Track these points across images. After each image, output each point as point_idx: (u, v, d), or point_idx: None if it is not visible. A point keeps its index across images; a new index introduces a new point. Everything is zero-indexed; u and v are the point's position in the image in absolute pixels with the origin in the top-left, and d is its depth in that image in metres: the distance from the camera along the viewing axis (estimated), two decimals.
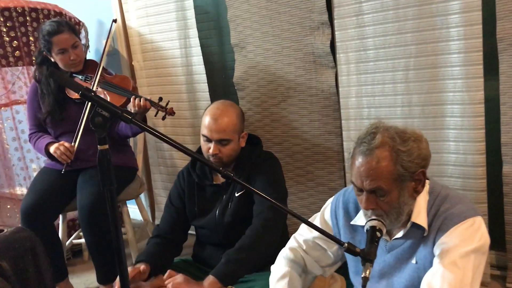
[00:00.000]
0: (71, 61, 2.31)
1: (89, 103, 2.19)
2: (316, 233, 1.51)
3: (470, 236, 1.25)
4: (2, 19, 2.68)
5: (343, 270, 1.64)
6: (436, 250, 1.27)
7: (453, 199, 1.31)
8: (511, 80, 1.90)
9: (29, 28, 2.78)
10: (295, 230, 1.87)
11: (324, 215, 1.54)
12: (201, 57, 2.74)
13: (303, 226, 1.59)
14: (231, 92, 2.73)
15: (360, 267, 1.26)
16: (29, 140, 2.45)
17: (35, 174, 2.64)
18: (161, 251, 1.90)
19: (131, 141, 2.83)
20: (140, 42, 3.00)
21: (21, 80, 2.97)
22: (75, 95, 2.32)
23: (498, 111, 1.97)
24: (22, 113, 2.75)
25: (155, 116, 2.23)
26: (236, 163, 1.93)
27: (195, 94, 2.84)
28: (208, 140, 1.86)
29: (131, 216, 3.07)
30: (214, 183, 1.96)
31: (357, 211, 1.43)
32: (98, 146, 1.13)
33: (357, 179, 1.26)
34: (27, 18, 2.76)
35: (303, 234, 1.56)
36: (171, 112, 2.19)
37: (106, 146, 1.14)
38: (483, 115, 1.96)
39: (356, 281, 1.48)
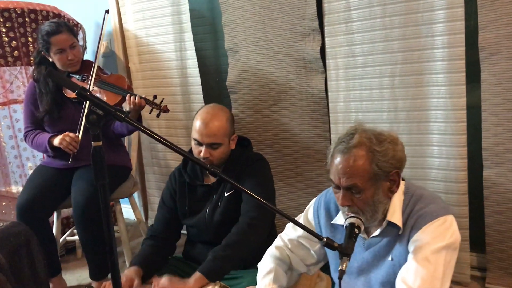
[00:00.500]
0: (68, 61, 2.37)
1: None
2: (300, 233, 1.58)
3: (441, 234, 1.31)
4: (1, 20, 2.74)
5: (329, 270, 1.70)
6: (410, 247, 1.33)
7: (426, 199, 1.38)
8: (492, 87, 1.97)
9: (28, 29, 2.84)
10: (283, 230, 1.95)
11: (307, 215, 1.61)
12: (196, 60, 2.81)
13: (288, 226, 1.65)
14: (225, 94, 2.80)
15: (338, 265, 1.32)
16: (25, 139, 2.48)
17: (31, 172, 2.69)
18: (154, 252, 1.95)
19: (126, 141, 2.89)
20: (136, 45, 3.07)
21: (18, 79, 3.04)
22: (72, 95, 2.38)
23: (480, 117, 2.04)
24: (19, 112, 2.81)
25: (150, 113, 2.29)
26: (226, 164, 1.98)
27: (189, 96, 2.91)
28: (199, 143, 1.90)
29: (125, 215, 3.13)
30: (205, 183, 2.01)
31: (337, 211, 1.50)
32: (92, 142, 1.18)
33: (335, 176, 1.33)
34: (26, 19, 2.83)
35: (288, 234, 1.63)
36: (165, 110, 2.24)
37: (100, 143, 1.19)
38: (465, 121, 2.04)
39: (336, 277, 1.54)
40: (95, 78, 2.37)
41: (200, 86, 2.84)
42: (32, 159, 3.06)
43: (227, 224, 1.90)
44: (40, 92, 2.42)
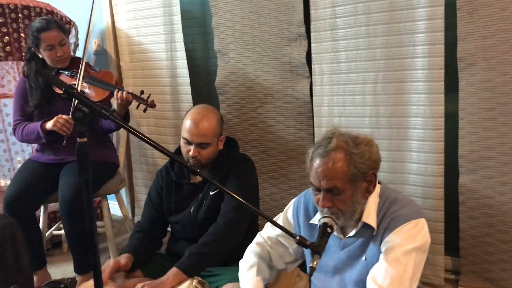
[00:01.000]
0: (58, 58, 2.41)
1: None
2: (279, 231, 1.64)
3: (413, 236, 1.38)
4: None
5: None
6: (382, 248, 1.40)
7: (400, 202, 1.45)
8: (469, 97, 2.04)
9: (21, 25, 2.87)
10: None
11: (287, 215, 1.67)
12: (186, 61, 2.86)
13: (267, 225, 1.71)
14: (213, 95, 2.85)
15: None
16: (14, 131, 2.50)
17: (19, 166, 2.73)
18: (142, 244, 2.01)
19: (114, 138, 2.93)
20: (128, 43, 3.11)
21: (10, 74, 3.07)
22: (60, 92, 2.42)
23: (457, 126, 2.12)
24: (9, 106, 2.84)
25: (137, 108, 2.32)
26: (213, 164, 2.02)
27: (178, 96, 2.96)
28: (189, 143, 1.94)
29: (112, 212, 3.17)
30: (191, 181, 2.06)
31: (316, 211, 1.56)
32: (78, 138, 1.24)
33: (315, 179, 1.39)
34: (19, 15, 2.86)
35: (267, 232, 1.69)
36: (152, 105, 2.27)
37: (85, 139, 1.24)
38: (443, 128, 2.10)
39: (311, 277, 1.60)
40: (84, 74, 2.41)
41: (189, 86, 2.89)
42: (21, 153, 3.10)
43: (211, 222, 1.95)
44: (30, 87, 2.46)
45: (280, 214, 1.70)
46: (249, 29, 2.56)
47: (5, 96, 3.06)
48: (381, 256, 1.39)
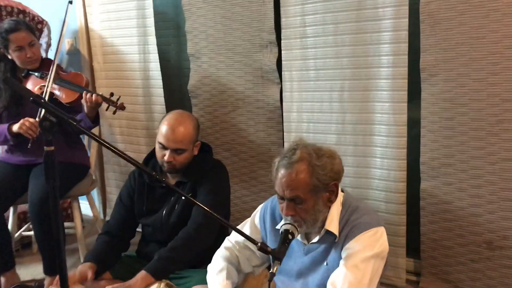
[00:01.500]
0: (27, 59, 2.41)
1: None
2: None
3: (371, 243, 1.45)
4: None
5: None
6: (343, 254, 1.46)
7: (361, 211, 1.51)
8: (431, 106, 2.13)
9: None
10: None
11: (254, 220, 1.72)
12: (158, 63, 2.88)
13: None
14: (186, 98, 2.88)
15: (280, 267, 1.44)
16: None
17: None
18: (108, 248, 2.01)
19: (86, 139, 2.94)
20: (101, 45, 3.12)
21: None
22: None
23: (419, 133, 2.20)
24: None
25: (106, 110, 2.32)
26: (186, 169, 2.04)
27: (150, 98, 2.98)
28: (164, 147, 1.96)
29: (84, 212, 3.18)
30: (164, 185, 2.09)
31: (282, 217, 1.61)
32: (45, 147, 1.26)
33: (279, 188, 1.45)
34: None
35: (235, 237, 1.73)
36: (122, 107, 2.27)
37: (52, 148, 1.26)
38: (405, 136, 2.18)
39: (276, 279, 1.66)
40: (54, 76, 2.41)
41: (162, 89, 2.92)
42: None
43: (182, 225, 1.97)
44: None
45: (248, 219, 1.75)
46: (221, 34, 2.60)
47: None
48: (341, 262, 1.45)
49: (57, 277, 1.75)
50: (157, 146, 2.01)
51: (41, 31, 3.16)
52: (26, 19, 3.00)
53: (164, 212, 2.04)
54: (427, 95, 2.13)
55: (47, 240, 2.34)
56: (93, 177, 2.83)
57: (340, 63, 2.27)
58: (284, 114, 2.50)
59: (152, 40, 2.87)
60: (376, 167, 2.28)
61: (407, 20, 2.08)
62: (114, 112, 2.31)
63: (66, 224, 3.00)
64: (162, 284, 1.79)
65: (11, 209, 2.60)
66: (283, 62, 2.44)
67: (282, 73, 2.45)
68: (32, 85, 2.46)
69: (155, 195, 2.08)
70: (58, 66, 2.51)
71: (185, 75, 2.92)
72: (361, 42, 2.20)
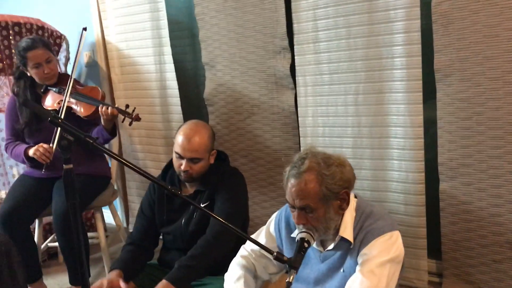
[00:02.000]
0: (45, 75, 2.48)
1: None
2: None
3: (387, 248, 1.45)
4: None
5: None
6: (359, 260, 1.47)
7: (375, 216, 1.51)
8: (447, 107, 2.11)
9: (12, 42, 2.93)
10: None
11: (269, 229, 1.74)
12: (174, 73, 2.92)
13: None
14: (202, 106, 2.91)
15: (298, 275, 1.45)
16: (6, 150, 2.60)
17: (14, 180, 2.79)
18: (133, 257, 2.06)
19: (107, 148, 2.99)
20: (118, 56, 3.18)
21: (3, 89, 3.13)
22: (51, 107, 2.49)
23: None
24: (3, 122, 2.88)
25: (122, 122, 2.37)
26: (203, 177, 2.07)
27: (168, 108, 3.02)
28: (181, 157, 2.00)
29: (107, 220, 3.24)
30: (183, 193, 2.12)
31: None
32: (64, 165, 1.30)
33: (290, 197, 1.47)
34: (10, 31, 2.92)
35: (251, 245, 1.75)
36: (137, 118, 2.31)
37: (71, 166, 1.30)
38: (422, 138, 2.17)
39: (294, 287, 1.67)
40: (71, 91, 2.46)
41: (178, 98, 2.96)
42: (15, 167, 3.16)
43: (201, 233, 2.01)
44: (20, 105, 2.53)
45: (262, 227, 1.77)
46: (235, 42, 2.62)
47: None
48: (357, 268, 1.46)
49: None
50: (174, 156, 2.05)
51: (59, 46, 3.23)
52: (45, 35, 3.09)
53: (183, 221, 2.08)
54: (443, 96, 2.11)
55: (71, 250, 2.40)
56: (115, 187, 2.88)
57: (354, 66, 2.27)
58: (299, 119, 2.51)
59: (168, 50, 2.91)
60: (393, 170, 2.27)
61: (419, 21, 2.06)
62: (130, 124, 2.35)
63: (89, 234, 3.07)
64: None
65: (37, 221, 2.68)
66: (296, 68, 2.45)
67: (296, 78, 2.46)
68: (51, 100, 2.53)
69: (174, 205, 2.12)
70: (75, 80, 2.57)
71: (202, 83, 2.95)
72: (374, 45, 2.20)
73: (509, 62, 1.93)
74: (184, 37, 3.05)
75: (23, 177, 2.61)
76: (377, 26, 2.18)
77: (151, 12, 2.90)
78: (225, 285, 1.72)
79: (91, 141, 1.30)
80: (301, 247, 1.40)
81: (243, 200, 2.16)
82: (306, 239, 1.42)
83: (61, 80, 2.56)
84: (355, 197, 1.57)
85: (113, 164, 2.99)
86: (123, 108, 2.32)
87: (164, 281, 1.84)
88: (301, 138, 2.53)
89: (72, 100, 2.47)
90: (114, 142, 3.06)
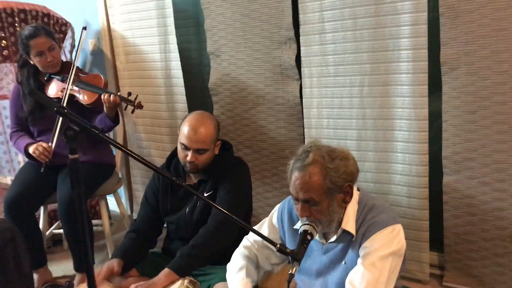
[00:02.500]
0: (48, 63, 2.47)
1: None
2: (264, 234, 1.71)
3: (388, 241, 1.46)
4: None
5: None
6: (360, 252, 1.48)
7: (378, 209, 1.52)
8: (452, 100, 2.10)
9: (18, 29, 2.92)
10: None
11: (272, 220, 1.75)
12: (179, 62, 2.92)
13: (256, 227, 1.79)
14: (207, 95, 2.91)
15: (300, 266, 1.46)
16: (10, 139, 2.62)
17: (19, 166, 2.81)
18: (135, 245, 2.08)
19: (111, 137, 3.00)
20: (123, 45, 3.17)
21: (8, 76, 3.13)
22: (54, 95, 2.50)
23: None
24: (8, 109, 2.90)
25: (125, 109, 2.36)
26: (208, 167, 2.08)
27: (172, 97, 3.02)
28: (186, 148, 2.01)
29: (111, 207, 3.27)
30: (187, 183, 2.13)
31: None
32: (69, 155, 1.30)
33: (293, 190, 1.47)
34: (16, 19, 2.92)
35: (253, 236, 1.76)
36: (139, 106, 2.30)
37: (77, 156, 1.31)
38: (427, 131, 2.17)
39: (296, 278, 1.69)
40: (74, 79, 2.46)
41: (183, 87, 2.95)
42: (21, 154, 3.17)
43: (205, 222, 2.02)
44: (23, 94, 2.54)
45: (265, 218, 1.78)
46: (240, 32, 2.61)
47: (4, 97, 3.13)
48: (359, 261, 1.46)
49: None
50: (179, 147, 2.06)
51: (65, 33, 3.23)
52: (51, 22, 3.08)
53: (187, 210, 2.09)
54: (449, 89, 2.10)
55: (76, 238, 2.42)
56: (119, 175, 2.89)
57: (360, 58, 2.26)
58: (304, 110, 2.51)
59: (173, 39, 2.90)
60: (397, 162, 2.27)
61: (426, 13, 2.05)
62: (133, 111, 2.34)
63: (94, 221, 3.09)
64: (186, 281, 1.85)
65: (42, 208, 2.69)
66: (302, 58, 2.44)
67: (302, 69, 2.45)
68: (54, 88, 2.53)
69: (178, 194, 2.13)
70: (78, 68, 2.56)
71: (206, 72, 2.95)
72: (380, 37, 2.19)
73: None
74: (189, 26, 3.04)
75: (28, 164, 2.62)
76: (384, 18, 2.17)
77: (157, 1, 2.89)
78: (227, 275, 1.74)
79: (97, 132, 1.30)
80: (304, 239, 1.41)
81: (247, 191, 2.17)
82: (309, 232, 1.43)
83: (64, 68, 2.56)
84: (358, 190, 1.58)
85: (117, 152, 3.00)
86: (126, 96, 2.32)
87: (166, 269, 1.87)
88: (305, 129, 2.53)
89: (75, 88, 2.47)
90: (119, 130, 3.07)
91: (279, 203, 2.74)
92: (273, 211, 1.77)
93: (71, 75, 2.44)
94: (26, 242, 2.10)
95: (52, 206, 2.98)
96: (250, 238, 1.76)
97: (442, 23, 2.04)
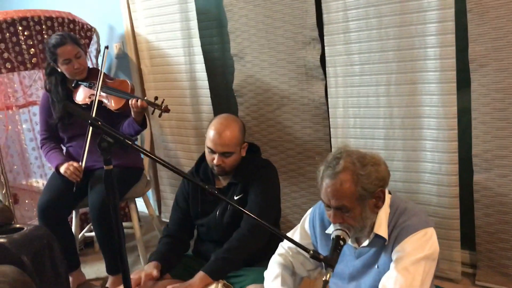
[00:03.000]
0: (75, 70, 2.52)
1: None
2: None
3: (421, 245, 1.45)
4: (20, 28, 2.90)
5: None
6: (393, 256, 1.47)
7: (409, 212, 1.51)
8: (482, 97, 2.07)
9: (45, 36, 2.98)
10: (288, 227, 2.01)
11: (304, 226, 1.75)
12: (203, 64, 2.94)
13: (289, 234, 1.79)
14: (231, 96, 2.93)
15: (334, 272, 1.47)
16: (41, 147, 2.68)
17: (51, 171, 2.87)
18: (170, 249, 2.11)
19: (139, 140, 3.05)
20: (147, 48, 3.21)
21: (37, 83, 3.20)
22: (81, 101, 2.55)
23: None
24: (38, 115, 2.97)
25: (152, 114, 2.41)
26: (236, 170, 2.10)
27: (197, 99, 3.05)
28: (213, 152, 2.03)
29: (139, 208, 3.32)
30: (216, 187, 2.15)
31: (330, 222, 1.63)
32: (104, 166, 1.33)
33: (325, 197, 1.47)
34: (43, 26, 2.97)
35: (287, 243, 1.76)
36: (166, 110, 2.33)
37: (111, 167, 1.34)
38: (456, 129, 2.14)
39: (330, 282, 1.69)
40: (101, 85, 2.51)
41: (208, 89, 2.98)
42: None
43: (236, 225, 2.04)
44: (52, 101, 2.60)
45: (297, 225, 1.78)
46: (264, 33, 2.61)
47: (34, 103, 3.20)
48: (392, 265, 1.46)
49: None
50: (206, 151, 2.08)
51: (90, 38, 3.28)
52: (76, 28, 3.13)
53: (217, 213, 2.11)
54: (478, 86, 2.07)
55: (108, 242, 2.47)
56: (148, 178, 2.93)
57: (386, 57, 2.24)
58: (330, 110, 2.50)
59: (197, 41, 2.92)
60: (426, 161, 2.25)
61: (453, 10, 2.02)
62: (160, 115, 2.37)
63: (124, 224, 3.14)
64: (220, 285, 1.87)
65: (74, 212, 2.76)
66: (326, 58, 2.43)
67: (326, 69, 2.45)
68: (82, 94, 2.58)
69: (208, 197, 2.15)
70: (105, 74, 2.61)
71: (230, 74, 2.96)
72: (406, 35, 2.17)
73: None
74: (211, 28, 3.05)
75: None
76: (409, 16, 2.14)
77: (180, 4, 2.92)
78: (264, 283, 1.74)
79: (130, 143, 1.33)
80: (337, 245, 1.41)
81: (276, 193, 2.18)
82: (341, 237, 1.42)
83: (91, 75, 2.61)
84: (389, 193, 1.57)
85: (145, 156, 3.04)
86: (152, 100, 2.35)
87: (201, 273, 1.88)
88: (331, 129, 2.52)
89: (103, 94, 2.52)
90: (146, 133, 3.10)
91: (306, 203, 2.77)
92: (304, 216, 1.77)
93: (98, 84, 2.49)
94: (60, 246, 2.15)
95: (83, 209, 3.04)
96: (284, 245, 1.77)
97: (470, 19, 2.01)
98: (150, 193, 3.60)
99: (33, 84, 3.18)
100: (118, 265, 2.50)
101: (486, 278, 2.25)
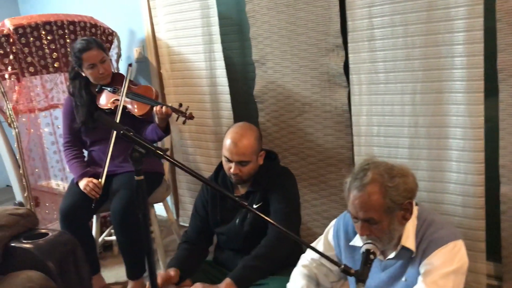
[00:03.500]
0: (100, 75, 2.54)
1: (115, 132, 2.42)
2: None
3: (450, 259, 1.43)
4: (43, 33, 2.92)
5: None
6: (421, 269, 1.45)
7: (437, 225, 1.49)
8: (510, 108, 2.04)
9: (67, 40, 3.01)
10: (308, 235, 1.96)
11: (327, 237, 1.74)
12: (225, 70, 2.94)
13: (313, 244, 1.78)
14: (251, 102, 2.92)
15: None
16: (64, 151, 2.70)
17: (71, 175, 2.88)
18: (189, 255, 2.11)
19: (159, 145, 3.05)
20: (168, 53, 3.22)
21: (58, 86, 3.22)
22: (105, 106, 2.56)
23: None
24: (60, 119, 2.98)
25: (176, 120, 2.41)
26: (254, 178, 2.09)
27: (218, 104, 3.04)
28: (229, 160, 2.03)
29: (157, 212, 3.33)
30: (235, 195, 2.15)
31: (355, 233, 1.61)
32: (135, 176, 1.34)
33: (352, 209, 1.46)
34: (66, 31, 3.00)
35: (311, 254, 1.76)
36: (191, 117, 2.34)
37: (142, 177, 1.34)
38: (482, 139, 2.11)
39: None
40: (126, 91, 2.53)
41: (229, 95, 2.97)
42: None
43: (255, 233, 2.03)
44: (76, 105, 2.61)
45: (320, 236, 1.77)
46: (286, 40, 2.60)
47: (55, 106, 3.22)
48: (420, 279, 1.44)
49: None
50: (223, 159, 2.08)
51: (111, 43, 3.30)
52: (98, 32, 3.15)
53: (237, 221, 2.10)
54: (506, 96, 2.04)
55: (129, 247, 2.48)
56: (167, 183, 2.94)
57: (411, 65, 2.21)
58: (353, 117, 2.48)
59: (218, 47, 2.92)
60: (452, 171, 2.22)
61: (482, 19, 1.99)
62: (184, 122, 2.38)
63: None
64: None
65: (94, 217, 2.77)
66: (350, 66, 2.41)
67: (350, 76, 2.43)
68: (105, 99, 2.60)
69: (227, 205, 2.14)
70: (129, 80, 2.62)
71: (250, 79, 2.96)
72: (432, 44, 2.14)
73: None
74: (232, 33, 3.05)
75: None
76: (436, 24, 2.12)
77: (202, 10, 2.92)
78: None
79: (162, 153, 1.32)
80: (367, 259, 1.40)
81: (297, 199, 2.17)
82: (371, 251, 1.41)
83: (114, 80, 2.62)
84: (416, 204, 1.55)
85: (165, 160, 3.05)
86: (177, 107, 2.35)
87: (227, 280, 1.87)
88: (354, 137, 2.50)
89: (127, 100, 2.53)
90: (166, 138, 3.11)
91: (327, 210, 2.75)
92: (328, 227, 1.75)
93: (123, 90, 2.49)
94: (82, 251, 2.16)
95: (103, 213, 3.05)
96: (307, 257, 1.75)
97: (499, 28, 1.98)
98: (168, 197, 3.60)
99: (54, 87, 3.21)
100: (138, 270, 2.54)
101: None
